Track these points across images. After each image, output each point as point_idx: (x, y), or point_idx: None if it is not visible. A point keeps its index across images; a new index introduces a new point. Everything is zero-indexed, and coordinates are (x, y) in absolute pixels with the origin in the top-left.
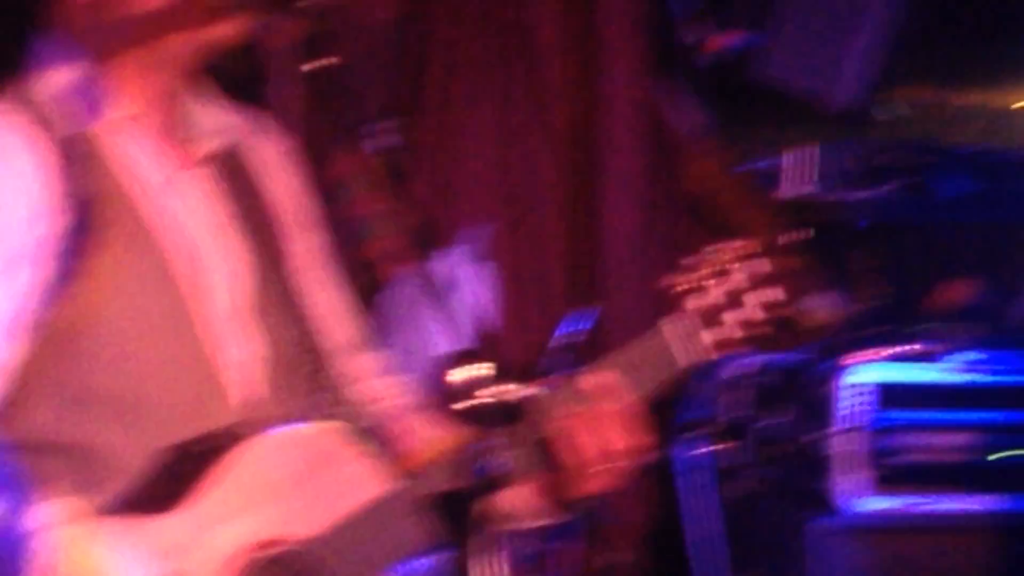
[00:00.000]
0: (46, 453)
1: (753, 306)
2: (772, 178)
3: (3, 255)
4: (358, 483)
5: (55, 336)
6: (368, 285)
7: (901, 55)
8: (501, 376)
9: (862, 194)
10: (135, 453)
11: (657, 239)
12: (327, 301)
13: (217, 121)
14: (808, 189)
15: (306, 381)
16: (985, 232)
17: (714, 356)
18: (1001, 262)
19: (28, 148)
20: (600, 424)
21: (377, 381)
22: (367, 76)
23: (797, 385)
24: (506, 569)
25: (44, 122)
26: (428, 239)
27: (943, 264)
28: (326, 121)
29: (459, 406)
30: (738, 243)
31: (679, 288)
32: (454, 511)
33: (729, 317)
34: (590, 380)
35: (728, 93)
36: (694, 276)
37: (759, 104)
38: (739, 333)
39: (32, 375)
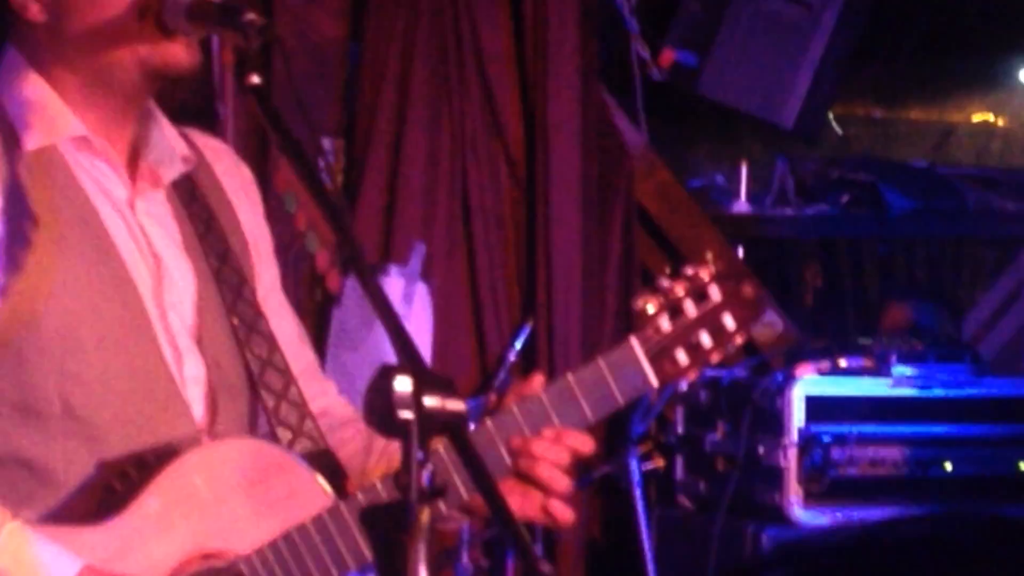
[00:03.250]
0: None
1: (724, 326)
2: (721, 193)
3: None
4: (299, 499)
5: (10, 340)
6: (321, 299)
7: (850, 72)
8: (448, 388)
9: (811, 209)
10: (88, 465)
11: (604, 254)
12: (282, 328)
13: (180, 147)
14: (757, 205)
15: (244, 405)
16: (933, 247)
17: (688, 376)
18: (948, 276)
19: None
20: (564, 434)
21: (326, 405)
22: (316, 91)
23: (746, 398)
24: None
25: (6, 131)
26: (375, 254)
27: (891, 279)
28: (272, 135)
29: (403, 417)
30: (708, 264)
31: (652, 307)
32: (397, 524)
33: (701, 338)
34: (553, 393)
35: (677, 109)
36: (669, 296)
37: (708, 120)
38: (713, 357)
39: None
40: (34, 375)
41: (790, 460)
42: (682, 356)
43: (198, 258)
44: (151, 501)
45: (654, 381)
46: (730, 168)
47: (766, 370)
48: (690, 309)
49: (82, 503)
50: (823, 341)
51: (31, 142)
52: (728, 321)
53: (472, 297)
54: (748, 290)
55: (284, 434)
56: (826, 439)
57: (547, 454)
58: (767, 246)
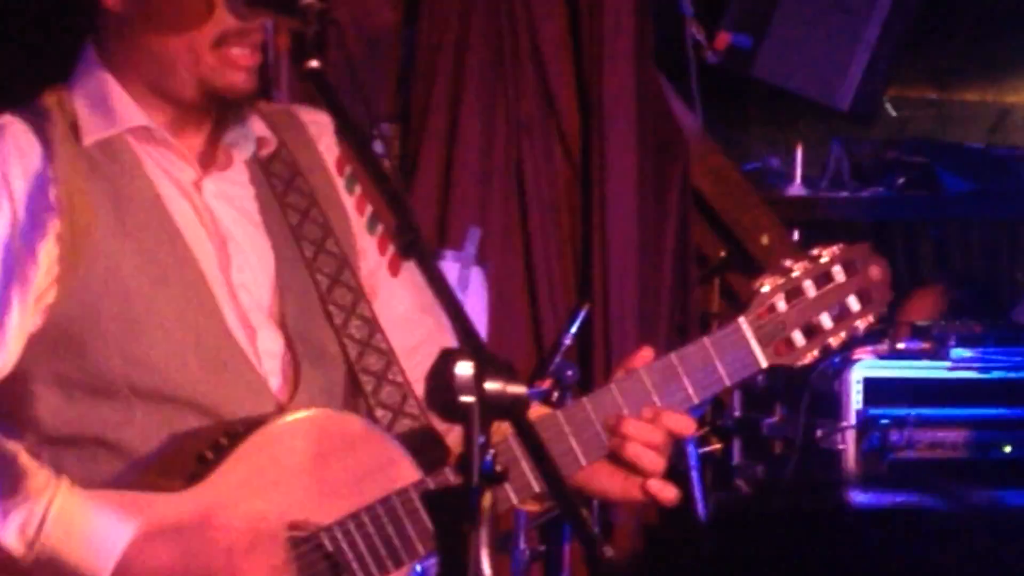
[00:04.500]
0: (66, 446)
1: (848, 308)
2: (776, 176)
3: (25, 232)
4: (384, 471)
5: (70, 329)
6: None
7: (906, 54)
8: (508, 372)
9: (867, 192)
10: (172, 440)
11: (659, 238)
12: (393, 302)
13: (255, 128)
14: (812, 187)
15: (332, 380)
16: (989, 229)
17: (804, 358)
18: (1005, 258)
19: (41, 147)
20: (662, 414)
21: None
22: (372, 77)
23: (804, 381)
24: (521, 564)
25: (69, 125)
26: (430, 238)
27: (946, 261)
28: (331, 119)
29: (464, 401)
30: (835, 246)
31: (768, 286)
32: (460, 509)
33: (820, 319)
34: (655, 371)
35: (732, 92)
36: (788, 277)
37: (763, 103)
38: (833, 339)
39: (45, 367)
40: (98, 361)
41: (848, 443)
42: (799, 337)
43: (280, 237)
44: (234, 470)
45: (763, 362)
46: (785, 151)
47: (832, 352)
48: (809, 290)
49: (173, 474)
50: (880, 323)
51: (93, 133)
52: (852, 302)
53: (528, 282)
54: (876, 271)
55: (383, 415)
56: (884, 422)
57: (639, 434)
58: (822, 229)
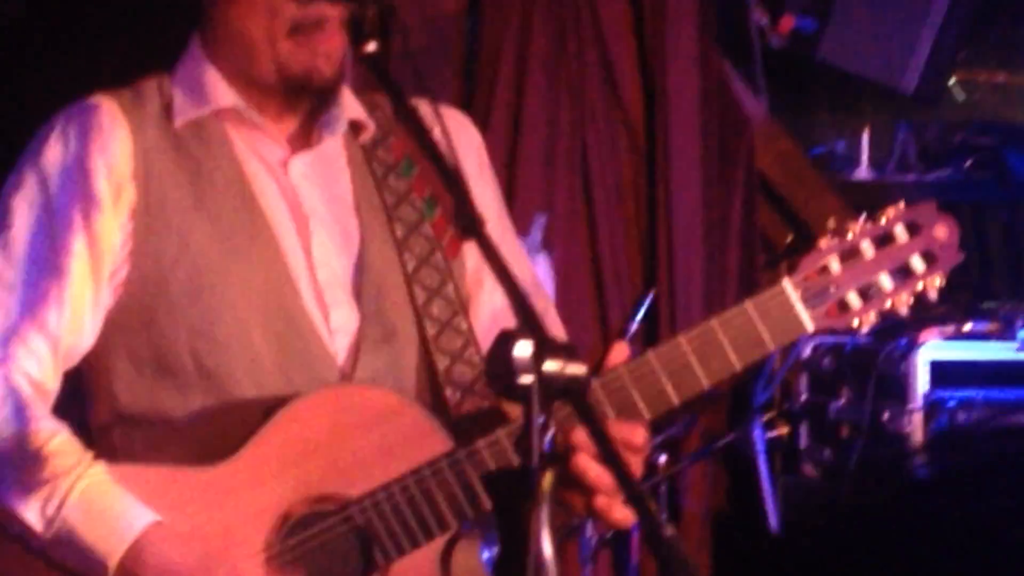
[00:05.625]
0: (137, 424)
1: (910, 268)
2: (843, 161)
3: (111, 194)
4: (418, 447)
5: (141, 302)
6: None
7: (972, 36)
8: (568, 353)
9: (934, 175)
10: (225, 419)
11: (725, 224)
12: (493, 295)
13: (349, 111)
14: (879, 171)
15: (398, 357)
16: None
17: (860, 320)
18: None
19: (128, 124)
20: (611, 425)
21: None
22: (436, 66)
23: (871, 364)
24: (588, 550)
25: (163, 107)
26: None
27: (1016, 242)
28: (390, 103)
29: (523, 382)
30: (899, 205)
31: (823, 244)
32: (519, 489)
33: (879, 280)
34: (695, 338)
35: (797, 76)
36: (844, 238)
37: (829, 87)
38: (894, 300)
39: (120, 341)
40: (165, 334)
41: (915, 426)
42: (854, 300)
43: (371, 217)
44: (266, 443)
45: (809, 325)
46: (851, 135)
47: (890, 336)
48: (867, 251)
49: (218, 450)
50: (947, 306)
51: (185, 114)
52: (916, 263)
53: (593, 268)
54: (942, 230)
55: (452, 393)
56: (951, 404)
57: (586, 444)
58: None
